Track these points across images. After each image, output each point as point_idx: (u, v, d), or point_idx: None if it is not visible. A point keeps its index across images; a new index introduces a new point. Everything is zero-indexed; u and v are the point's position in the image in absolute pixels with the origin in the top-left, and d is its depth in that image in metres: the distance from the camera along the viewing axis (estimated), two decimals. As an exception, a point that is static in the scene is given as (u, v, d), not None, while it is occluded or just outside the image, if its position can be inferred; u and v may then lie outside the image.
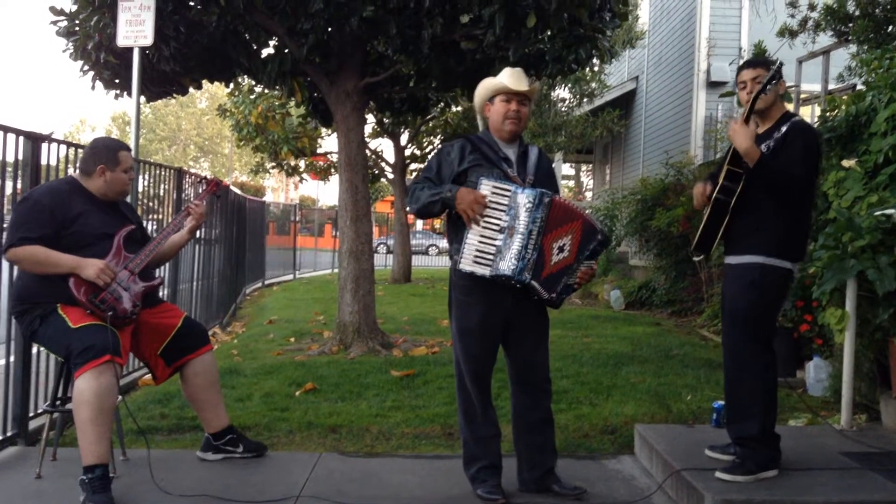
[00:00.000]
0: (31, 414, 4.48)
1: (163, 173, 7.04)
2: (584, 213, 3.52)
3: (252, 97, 15.30)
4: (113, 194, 3.89)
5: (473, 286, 3.48)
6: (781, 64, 3.59)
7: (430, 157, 4.10)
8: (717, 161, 3.93)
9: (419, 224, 41.17)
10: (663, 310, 10.89)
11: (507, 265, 3.37)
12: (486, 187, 3.41)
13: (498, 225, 3.39)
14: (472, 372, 3.58)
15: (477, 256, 3.40)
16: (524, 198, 3.39)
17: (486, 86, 3.65)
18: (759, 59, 4.00)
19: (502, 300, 3.50)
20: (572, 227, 3.46)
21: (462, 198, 3.38)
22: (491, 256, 3.39)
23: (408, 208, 3.69)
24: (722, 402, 4.57)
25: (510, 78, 3.56)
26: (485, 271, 3.40)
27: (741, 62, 3.97)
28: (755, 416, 3.56)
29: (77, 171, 4.01)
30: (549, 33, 6.71)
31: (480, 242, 3.40)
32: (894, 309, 4.31)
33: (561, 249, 3.44)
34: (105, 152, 3.85)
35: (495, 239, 3.39)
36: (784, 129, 3.59)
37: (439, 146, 18.36)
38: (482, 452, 3.63)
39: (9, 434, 4.32)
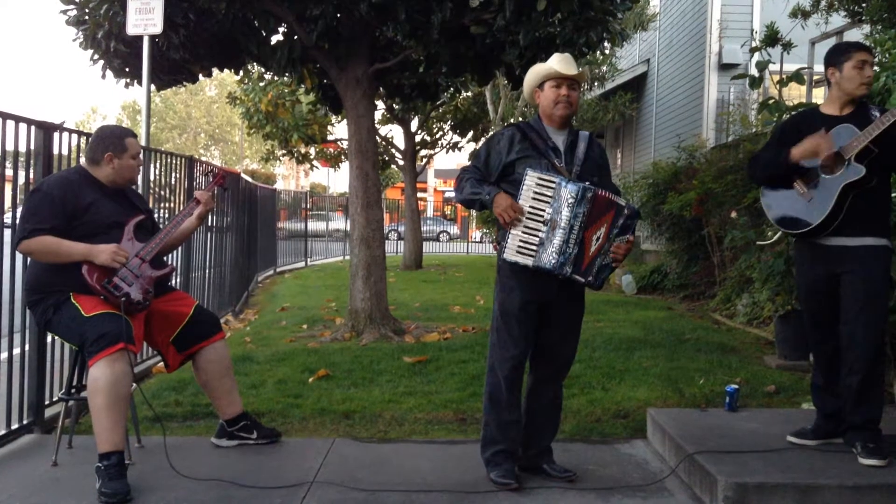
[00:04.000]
0: (46, 402, 4.51)
1: (173, 162, 7.05)
2: (618, 200, 3.52)
3: (262, 84, 15.29)
4: (122, 181, 3.90)
5: (519, 270, 3.51)
6: None
7: (480, 145, 4.12)
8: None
9: (430, 210, 41.19)
10: (675, 294, 10.85)
11: (548, 259, 3.41)
12: (531, 178, 3.44)
13: (542, 217, 3.43)
14: (508, 355, 3.58)
15: (521, 246, 3.44)
16: (566, 192, 3.41)
17: (535, 72, 3.64)
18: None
19: (547, 284, 3.53)
20: (608, 216, 3.48)
21: (498, 202, 3.43)
22: (534, 248, 3.43)
23: (453, 196, 3.79)
24: (735, 387, 4.57)
25: (560, 63, 3.56)
26: (527, 261, 3.43)
27: (841, 42, 3.76)
28: (881, 399, 3.67)
29: (85, 159, 4.01)
30: (559, 16, 6.65)
31: (524, 233, 3.43)
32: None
33: (598, 238, 3.47)
34: (112, 140, 3.86)
35: (539, 230, 3.43)
36: (876, 112, 3.57)
37: (449, 132, 18.37)
38: (501, 437, 3.64)
39: (25, 422, 4.35)
